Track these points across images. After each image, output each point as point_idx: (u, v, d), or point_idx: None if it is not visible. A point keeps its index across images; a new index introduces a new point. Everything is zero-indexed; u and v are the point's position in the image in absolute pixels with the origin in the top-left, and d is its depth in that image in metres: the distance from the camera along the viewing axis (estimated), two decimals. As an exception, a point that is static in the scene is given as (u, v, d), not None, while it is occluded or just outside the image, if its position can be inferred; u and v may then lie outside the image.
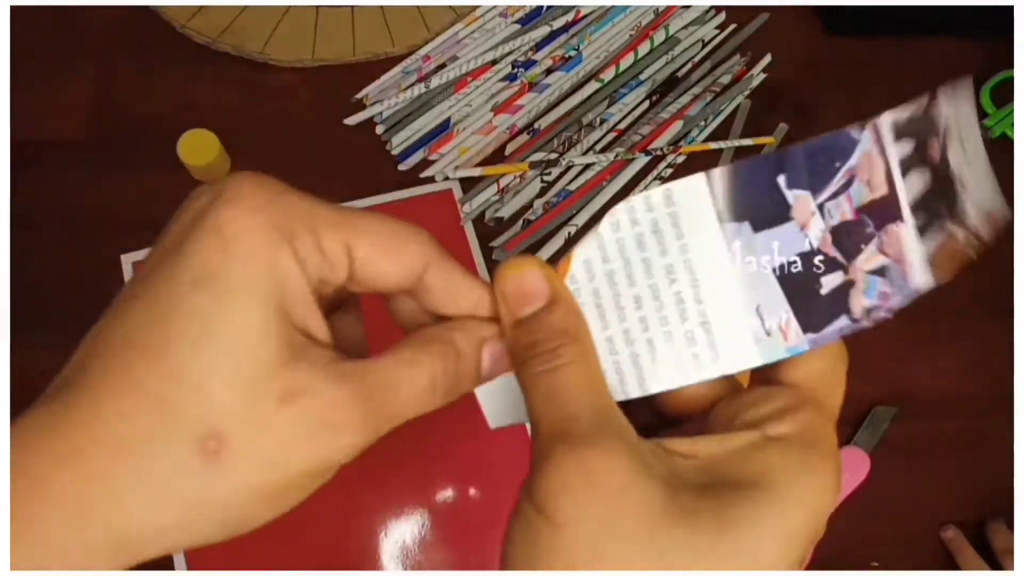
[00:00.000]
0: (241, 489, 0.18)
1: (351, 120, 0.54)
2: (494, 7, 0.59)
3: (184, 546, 0.19)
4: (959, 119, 0.25)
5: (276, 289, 0.18)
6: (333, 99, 0.55)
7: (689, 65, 0.60)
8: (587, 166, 0.55)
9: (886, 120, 0.23)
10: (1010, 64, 0.62)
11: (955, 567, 0.50)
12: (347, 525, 0.44)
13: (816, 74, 0.61)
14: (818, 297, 0.23)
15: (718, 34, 0.61)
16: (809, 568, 0.49)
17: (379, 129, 0.54)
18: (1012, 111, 0.61)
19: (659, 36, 0.59)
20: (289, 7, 0.56)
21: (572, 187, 0.54)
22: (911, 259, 0.23)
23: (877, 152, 0.23)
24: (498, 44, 0.57)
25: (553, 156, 0.54)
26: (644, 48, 0.59)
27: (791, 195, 0.23)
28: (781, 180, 0.23)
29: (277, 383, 0.18)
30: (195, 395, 0.18)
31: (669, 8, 0.61)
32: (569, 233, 0.53)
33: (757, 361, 0.23)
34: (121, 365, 0.18)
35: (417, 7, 0.58)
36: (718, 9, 0.62)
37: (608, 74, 0.58)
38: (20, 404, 0.47)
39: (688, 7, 0.61)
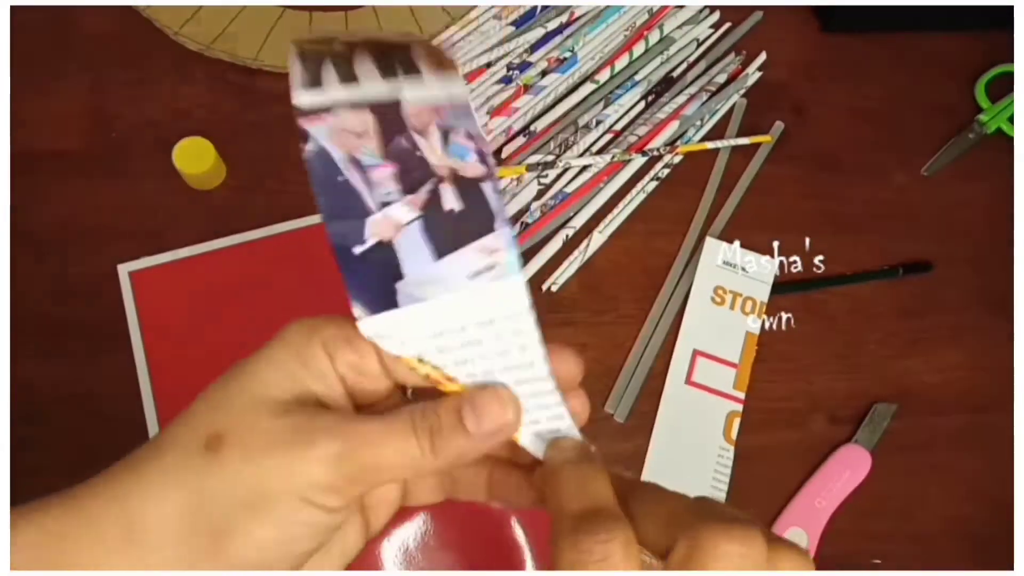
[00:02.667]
0: (229, 479, 0.21)
1: (346, 125, 0.54)
2: (488, 9, 0.58)
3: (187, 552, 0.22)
4: None
5: (298, 364, 0.23)
6: (328, 104, 0.54)
7: (684, 65, 0.60)
8: (584, 168, 0.55)
9: (300, 95, 0.22)
10: (1005, 59, 0.62)
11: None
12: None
13: (811, 72, 0.61)
14: (463, 212, 0.23)
15: (713, 33, 0.61)
16: (812, 567, 0.49)
17: (375, 134, 0.54)
18: (1007, 106, 0.61)
19: (654, 36, 0.59)
20: (283, 12, 0.56)
21: (569, 189, 0.54)
22: (437, 100, 0.22)
23: (329, 116, 0.22)
24: (493, 47, 0.57)
25: (550, 158, 0.54)
26: (639, 48, 0.59)
27: (365, 248, 0.23)
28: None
29: (277, 408, 0.22)
30: (212, 413, 0.23)
31: (663, 8, 0.61)
32: (567, 236, 0.53)
33: (518, 276, 0.23)
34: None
35: (411, 10, 0.57)
36: (712, 8, 0.61)
37: (603, 75, 0.58)
38: (18, 412, 0.47)
39: (682, 7, 0.61)
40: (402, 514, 0.27)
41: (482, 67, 0.57)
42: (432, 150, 0.23)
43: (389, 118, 0.22)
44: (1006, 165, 0.60)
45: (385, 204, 0.23)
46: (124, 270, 0.48)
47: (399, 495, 0.27)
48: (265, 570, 0.22)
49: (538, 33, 0.58)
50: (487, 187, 0.23)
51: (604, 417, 0.50)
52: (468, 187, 0.23)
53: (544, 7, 0.59)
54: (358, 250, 0.23)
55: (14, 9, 0.53)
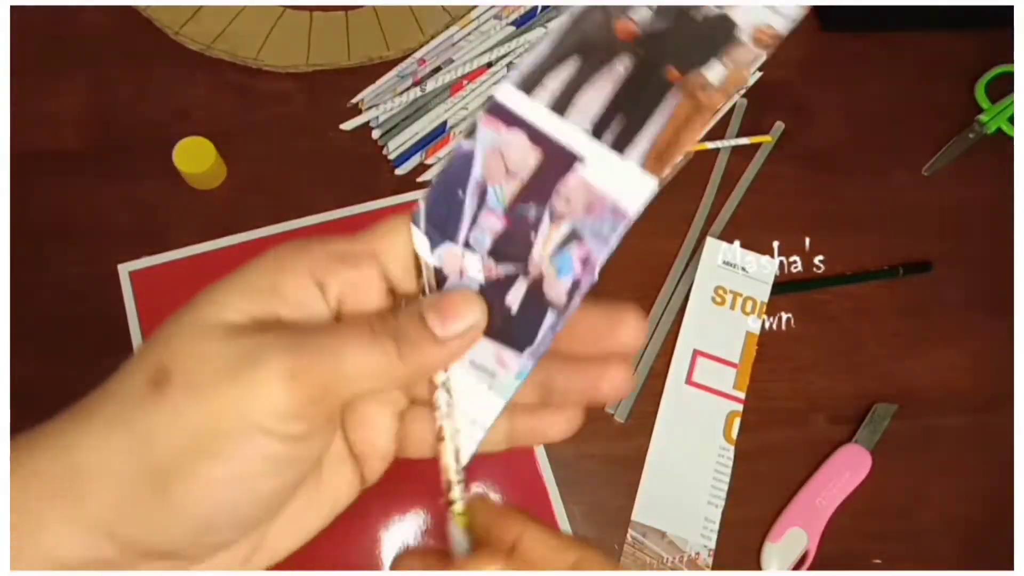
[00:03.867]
0: (174, 416, 0.20)
1: (347, 125, 0.54)
2: (489, 9, 0.58)
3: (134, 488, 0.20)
4: None
5: (268, 287, 0.21)
6: (328, 104, 0.54)
7: (684, 65, 0.60)
8: (584, 168, 0.55)
9: (504, 88, 0.22)
10: (1005, 59, 0.62)
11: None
12: (347, 525, 0.44)
13: (812, 71, 0.61)
14: (513, 317, 0.22)
15: (713, 33, 0.61)
16: (811, 567, 0.50)
17: (375, 134, 0.54)
18: (1007, 106, 0.61)
19: (654, 36, 0.59)
20: (283, 12, 0.56)
21: (569, 189, 0.54)
22: (608, 191, 0.22)
23: (506, 131, 0.22)
24: (493, 46, 0.57)
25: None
26: (639, 48, 0.59)
27: (437, 257, 0.22)
28: (422, 248, 0.22)
29: (228, 332, 0.20)
30: (160, 346, 0.21)
31: (664, 8, 0.61)
32: (567, 235, 0.53)
33: (501, 404, 0.23)
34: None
35: (411, 10, 0.57)
36: (713, 8, 0.61)
37: (604, 75, 0.58)
38: (17, 411, 0.47)
39: (683, 6, 0.61)
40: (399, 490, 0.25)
41: (482, 67, 0.57)
42: (544, 243, 0.22)
43: (549, 171, 0.22)
44: (1006, 165, 0.60)
45: (469, 246, 0.22)
46: (124, 270, 0.48)
47: (391, 441, 0.24)
48: (221, 512, 0.20)
49: (539, 33, 0.58)
50: (548, 318, 0.22)
51: (604, 417, 0.50)
52: (535, 301, 0.22)
53: (544, 7, 0.59)
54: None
55: (14, 9, 0.53)
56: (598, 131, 0.22)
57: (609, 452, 0.49)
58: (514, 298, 0.22)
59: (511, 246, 0.22)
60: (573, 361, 0.23)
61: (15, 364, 0.46)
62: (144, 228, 0.50)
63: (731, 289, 0.53)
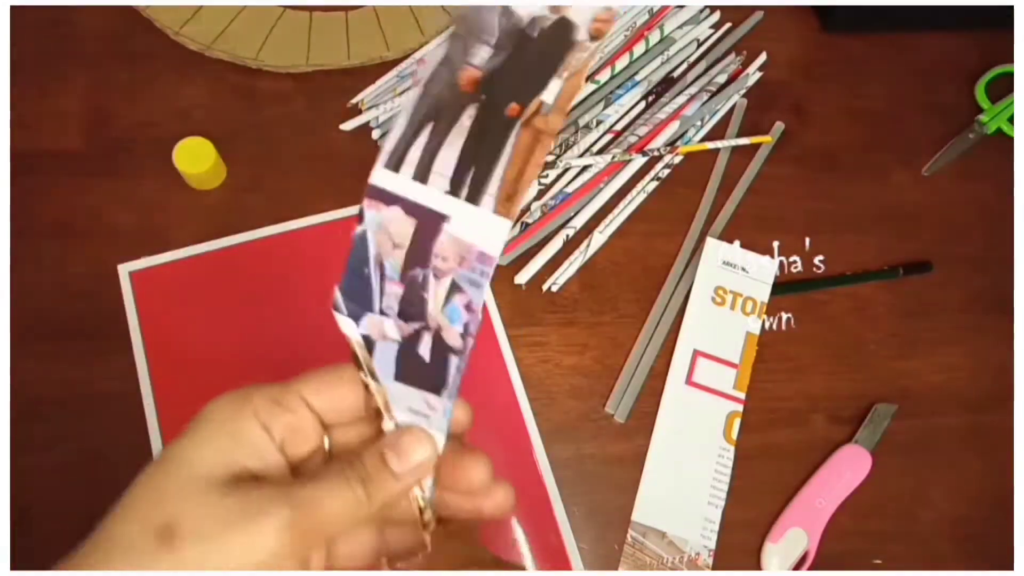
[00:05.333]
0: (190, 565, 0.22)
1: (347, 126, 0.54)
2: (488, 10, 0.58)
3: None
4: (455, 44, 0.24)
5: (230, 441, 0.24)
6: (328, 105, 0.54)
7: (685, 65, 0.60)
8: (584, 168, 0.55)
9: (377, 172, 0.24)
10: (1005, 59, 0.62)
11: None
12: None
13: (812, 72, 0.61)
14: (427, 365, 0.26)
15: (713, 33, 0.61)
16: (811, 567, 0.50)
17: (375, 134, 0.54)
18: (1007, 106, 0.61)
19: (654, 36, 0.59)
20: (283, 12, 0.56)
21: (570, 189, 0.54)
22: (473, 241, 0.24)
23: (386, 209, 0.25)
24: (493, 47, 0.57)
25: (550, 158, 0.54)
26: (639, 49, 0.59)
27: (363, 326, 0.26)
28: (348, 328, 0.26)
29: (219, 488, 0.23)
30: (156, 503, 0.23)
31: (664, 8, 0.61)
32: (567, 236, 0.53)
33: (442, 438, 0.27)
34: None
35: (411, 10, 0.57)
36: (712, 8, 0.61)
37: (604, 75, 0.58)
38: (18, 412, 0.47)
39: (683, 7, 0.61)
40: None
41: (482, 67, 0.57)
42: (434, 299, 0.25)
43: (424, 236, 0.25)
44: (1006, 166, 0.60)
45: (384, 313, 0.26)
46: (124, 270, 0.48)
47: (370, 539, 0.28)
48: None
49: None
50: (453, 361, 0.25)
51: (604, 417, 0.50)
52: (441, 349, 0.26)
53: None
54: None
55: (14, 9, 0.53)
56: (455, 188, 0.24)
57: (609, 452, 0.49)
58: (424, 350, 0.26)
59: (412, 307, 0.25)
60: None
61: (15, 364, 0.46)
62: (144, 228, 0.50)
63: (731, 289, 0.53)
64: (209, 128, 0.51)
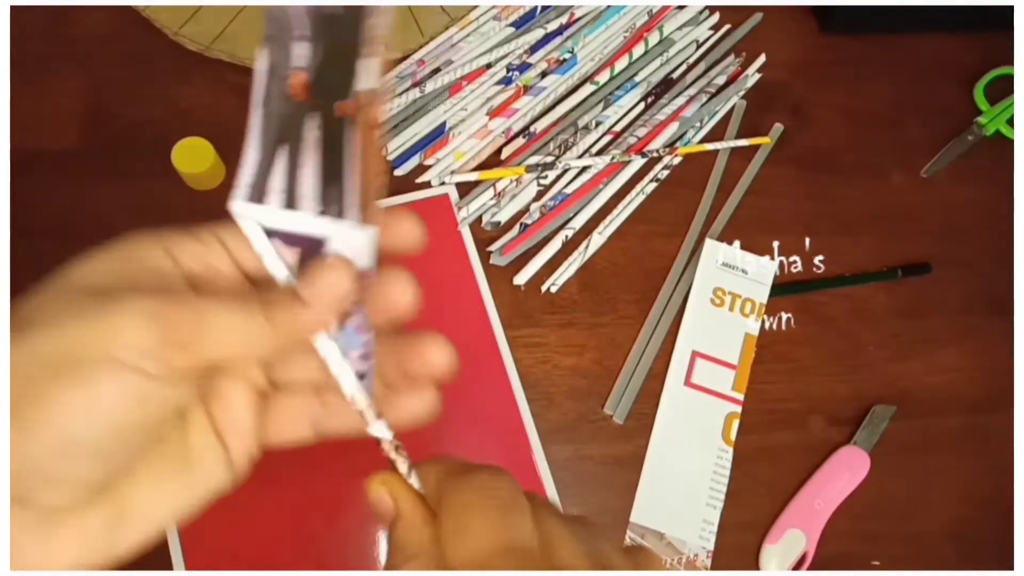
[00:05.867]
0: (30, 348, 0.20)
1: (346, 126, 0.54)
2: (488, 10, 0.58)
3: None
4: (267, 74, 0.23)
5: (124, 261, 0.22)
6: (328, 105, 0.54)
7: (684, 66, 0.60)
8: (583, 169, 0.55)
9: (239, 205, 0.23)
10: (1004, 61, 0.62)
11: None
12: (347, 525, 0.44)
13: (811, 73, 0.61)
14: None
15: (712, 35, 0.61)
16: (810, 568, 0.50)
17: (374, 134, 0.54)
18: (1006, 108, 0.61)
19: (653, 38, 0.59)
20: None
21: (569, 190, 0.54)
22: (352, 256, 0.23)
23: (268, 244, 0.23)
24: (493, 47, 0.57)
25: (549, 159, 0.54)
26: (639, 50, 0.59)
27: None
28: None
29: (88, 290, 0.21)
30: (21, 304, 0.21)
31: (663, 9, 0.61)
32: (566, 237, 0.53)
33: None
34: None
35: (411, 11, 0.57)
36: (712, 10, 0.61)
37: (603, 76, 0.58)
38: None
39: (682, 8, 0.61)
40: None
41: (482, 68, 0.57)
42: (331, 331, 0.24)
43: (310, 264, 0.23)
44: (1005, 167, 0.60)
45: None
46: (123, 270, 0.48)
47: (251, 420, 0.25)
48: (75, 438, 0.20)
49: (538, 34, 0.58)
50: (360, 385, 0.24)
51: (603, 418, 0.50)
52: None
53: (544, 8, 0.59)
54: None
55: (14, 9, 0.53)
56: (323, 208, 0.23)
57: (608, 453, 0.49)
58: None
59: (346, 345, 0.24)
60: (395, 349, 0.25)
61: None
62: (143, 228, 0.50)
63: (730, 290, 0.53)
64: (208, 128, 0.51)
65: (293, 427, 0.26)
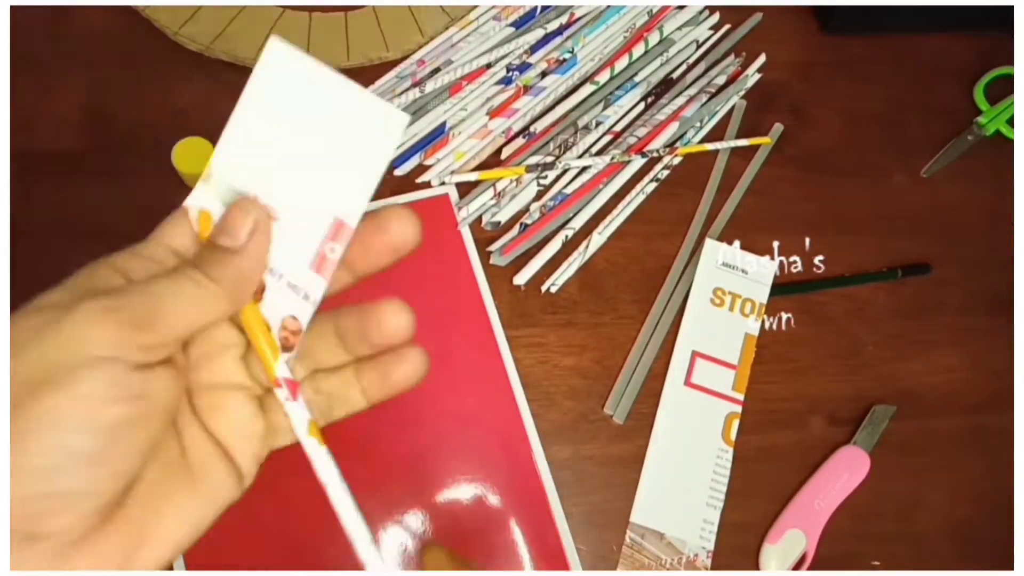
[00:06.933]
0: (5, 375, 0.20)
1: (346, 126, 0.54)
2: (488, 10, 0.58)
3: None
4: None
5: (81, 284, 0.22)
6: (328, 105, 0.54)
7: (684, 66, 0.60)
8: (583, 169, 0.55)
9: None
10: (1004, 61, 0.62)
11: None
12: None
13: (811, 73, 0.61)
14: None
15: (712, 35, 0.61)
16: (810, 568, 0.50)
17: (374, 134, 0.54)
18: (1006, 108, 0.61)
19: (653, 38, 0.59)
20: (282, 13, 0.56)
21: (569, 190, 0.54)
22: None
23: None
24: (492, 47, 0.57)
25: (549, 159, 0.54)
26: (639, 50, 0.59)
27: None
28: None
29: (39, 308, 0.21)
30: None
31: (663, 9, 0.61)
32: (566, 237, 0.53)
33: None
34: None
35: (411, 11, 0.57)
36: (712, 10, 0.61)
37: (603, 76, 0.58)
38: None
39: (682, 8, 0.61)
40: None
41: (482, 68, 0.57)
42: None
43: None
44: (1005, 167, 0.60)
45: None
46: (123, 270, 0.48)
47: (254, 425, 0.25)
48: (66, 444, 0.20)
49: (538, 34, 0.58)
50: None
51: (603, 418, 0.50)
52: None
53: (544, 8, 0.59)
54: None
55: (14, 9, 0.53)
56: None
57: (608, 453, 0.49)
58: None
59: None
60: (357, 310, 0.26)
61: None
62: (143, 228, 0.50)
63: (730, 290, 0.53)
64: (208, 128, 0.51)
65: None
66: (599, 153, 0.56)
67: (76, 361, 0.20)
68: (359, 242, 0.25)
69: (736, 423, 0.50)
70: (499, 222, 0.53)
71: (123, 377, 0.21)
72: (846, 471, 0.50)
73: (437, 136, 0.54)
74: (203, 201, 0.25)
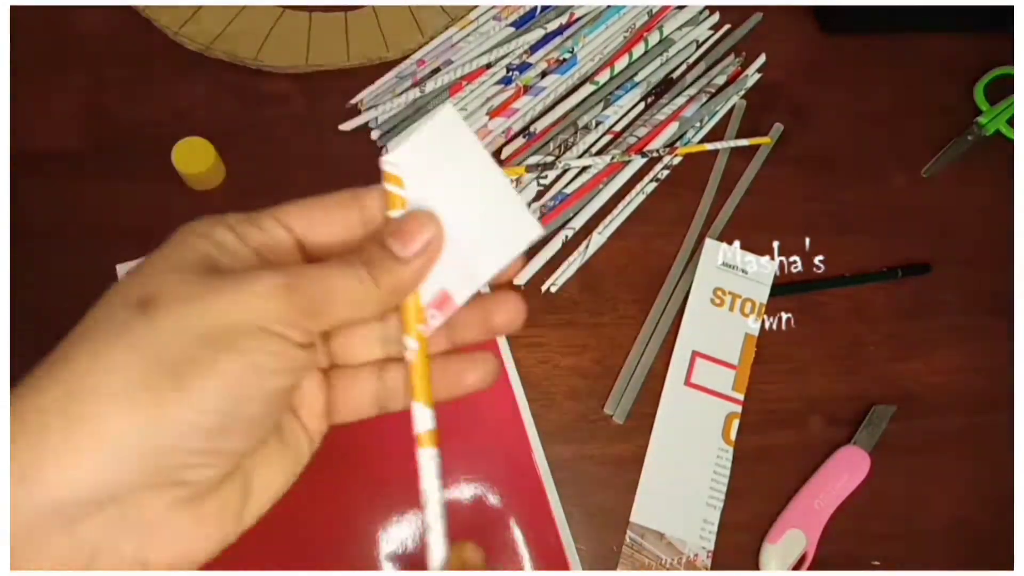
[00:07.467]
0: (180, 324, 0.21)
1: (346, 126, 0.54)
2: (488, 10, 0.58)
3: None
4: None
5: (210, 245, 0.23)
6: (328, 105, 0.54)
7: (684, 66, 0.60)
8: (583, 169, 0.55)
9: None
10: (1004, 61, 0.62)
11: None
12: (346, 526, 0.44)
13: (811, 73, 0.61)
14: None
15: (712, 35, 0.61)
16: (810, 568, 0.50)
17: (374, 135, 0.54)
18: (1006, 108, 0.61)
19: (653, 37, 0.59)
20: (282, 12, 0.56)
21: (569, 190, 0.54)
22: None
23: None
24: (492, 47, 0.57)
25: (549, 159, 0.54)
26: (639, 50, 0.59)
27: None
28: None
29: (202, 271, 0.22)
30: (137, 283, 0.22)
31: (663, 9, 0.61)
32: (566, 237, 0.53)
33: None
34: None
35: (411, 11, 0.57)
36: (712, 9, 0.61)
37: (603, 76, 0.58)
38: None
39: (682, 8, 0.61)
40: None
41: (482, 68, 0.57)
42: None
43: None
44: (1005, 167, 0.60)
45: None
46: (123, 270, 0.48)
47: (323, 399, 0.26)
48: (235, 408, 0.21)
49: (538, 34, 0.58)
50: None
51: (603, 418, 0.50)
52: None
53: (544, 8, 0.59)
54: None
55: (14, 9, 0.53)
56: None
57: (608, 453, 0.49)
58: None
59: None
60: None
61: (14, 364, 0.45)
62: (144, 228, 0.50)
63: (730, 290, 0.53)
64: (208, 128, 0.51)
65: (358, 405, 0.27)
66: (599, 153, 0.56)
67: (249, 329, 0.21)
68: (462, 319, 0.26)
69: (736, 423, 0.50)
70: (499, 222, 0.53)
71: (287, 351, 0.22)
72: (846, 471, 0.50)
73: (437, 136, 0.54)
74: (400, 170, 0.25)
